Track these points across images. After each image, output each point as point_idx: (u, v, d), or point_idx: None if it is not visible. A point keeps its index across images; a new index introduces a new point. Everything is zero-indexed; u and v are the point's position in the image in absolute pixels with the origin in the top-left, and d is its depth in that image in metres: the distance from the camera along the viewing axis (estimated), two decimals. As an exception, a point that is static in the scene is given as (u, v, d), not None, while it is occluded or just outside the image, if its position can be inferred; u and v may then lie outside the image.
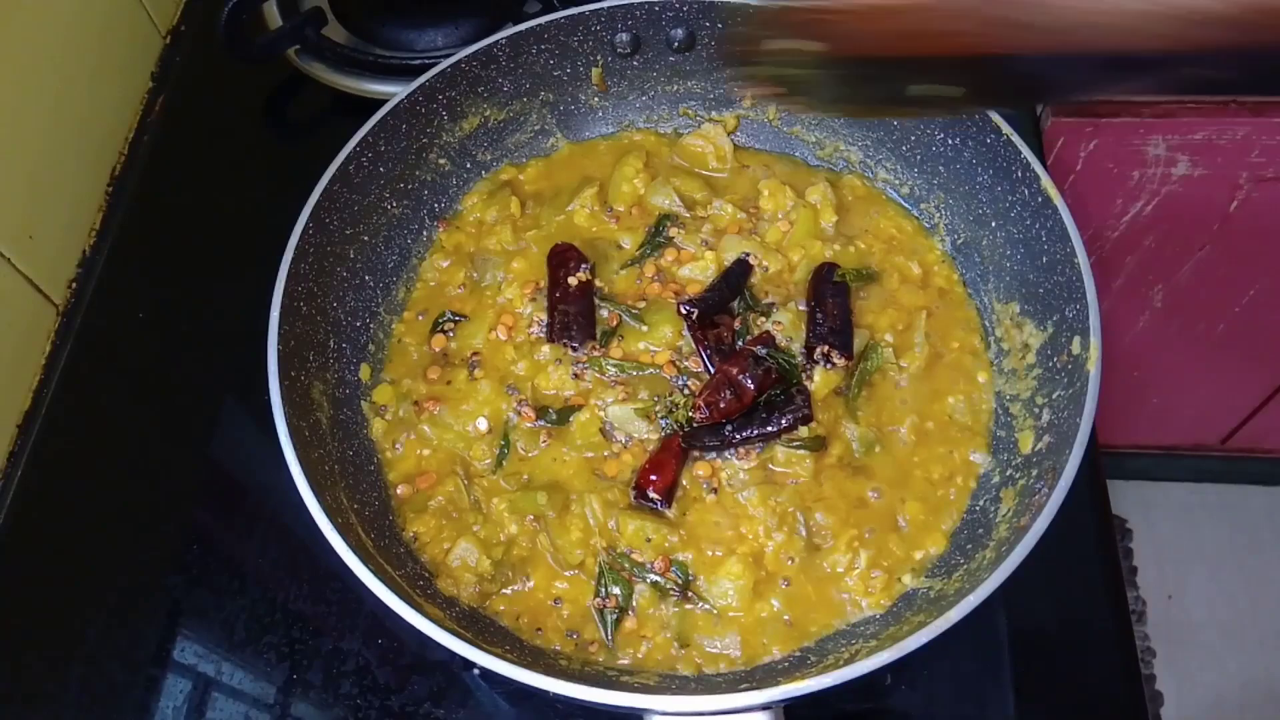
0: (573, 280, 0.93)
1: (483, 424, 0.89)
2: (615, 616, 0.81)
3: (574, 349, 0.91)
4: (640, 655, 0.80)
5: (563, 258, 0.95)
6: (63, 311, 1.05)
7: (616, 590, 0.81)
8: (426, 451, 0.89)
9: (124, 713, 0.84)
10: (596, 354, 0.91)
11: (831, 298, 0.92)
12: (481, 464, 0.88)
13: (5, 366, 0.98)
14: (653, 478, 0.84)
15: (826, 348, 0.89)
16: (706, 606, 0.81)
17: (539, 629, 0.81)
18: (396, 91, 0.95)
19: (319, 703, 0.84)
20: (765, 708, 0.67)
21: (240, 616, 0.88)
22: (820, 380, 0.88)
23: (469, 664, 0.69)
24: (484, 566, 0.82)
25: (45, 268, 1.03)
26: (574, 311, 0.92)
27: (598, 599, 0.81)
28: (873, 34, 0.43)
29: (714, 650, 0.80)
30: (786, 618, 0.81)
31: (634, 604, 0.81)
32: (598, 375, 0.91)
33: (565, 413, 0.89)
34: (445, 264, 1.00)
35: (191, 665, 0.86)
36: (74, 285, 1.07)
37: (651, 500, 0.84)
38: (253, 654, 0.86)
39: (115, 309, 1.06)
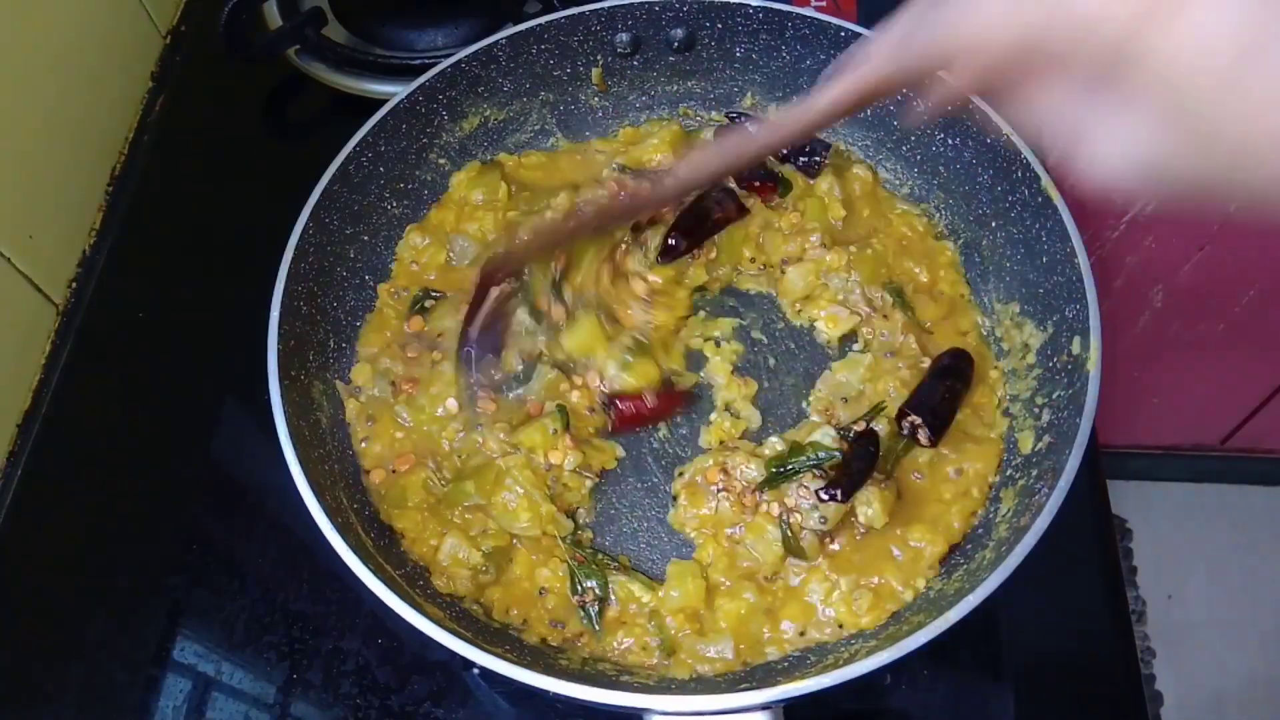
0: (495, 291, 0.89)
1: (452, 404, 0.88)
2: (597, 608, 0.81)
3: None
4: (629, 644, 0.80)
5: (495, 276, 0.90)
6: (63, 311, 1.05)
7: (592, 583, 0.81)
8: (400, 435, 0.88)
9: (124, 713, 0.84)
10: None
11: (951, 380, 0.87)
12: (453, 445, 0.88)
13: (5, 366, 0.98)
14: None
15: (919, 420, 0.84)
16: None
17: (525, 620, 0.81)
18: (396, 91, 0.95)
19: (319, 702, 0.84)
20: (765, 708, 0.67)
21: (240, 616, 0.88)
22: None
23: (469, 664, 0.69)
24: (475, 560, 0.81)
25: (45, 267, 1.03)
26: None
27: (576, 596, 0.81)
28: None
29: (706, 654, 0.79)
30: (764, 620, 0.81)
31: (612, 591, 0.81)
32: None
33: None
34: (424, 242, 0.98)
35: (191, 665, 0.86)
36: (74, 285, 1.07)
37: None
38: (253, 654, 0.86)
39: (115, 309, 1.06)
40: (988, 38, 0.47)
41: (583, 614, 0.81)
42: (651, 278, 0.93)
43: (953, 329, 0.94)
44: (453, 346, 0.90)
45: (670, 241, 0.94)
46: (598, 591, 0.81)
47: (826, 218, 0.98)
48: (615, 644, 0.80)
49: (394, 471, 0.86)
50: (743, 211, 0.98)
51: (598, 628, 0.81)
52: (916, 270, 0.96)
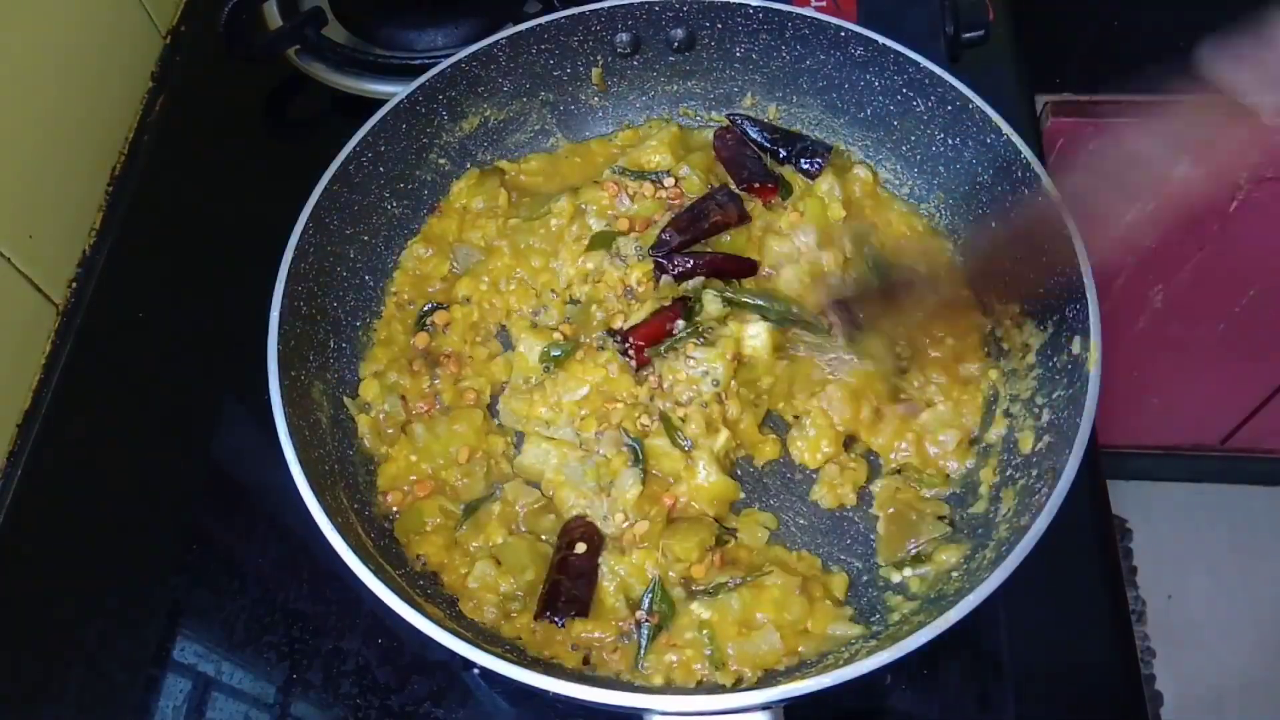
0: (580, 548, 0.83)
1: (464, 452, 0.88)
2: (651, 632, 0.79)
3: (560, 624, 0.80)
4: (675, 660, 0.78)
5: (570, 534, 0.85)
6: (63, 311, 1.05)
7: (660, 607, 0.79)
8: (414, 458, 0.88)
9: (124, 712, 0.84)
10: None
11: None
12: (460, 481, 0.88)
13: (5, 366, 0.98)
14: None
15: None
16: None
17: (547, 643, 0.79)
18: (396, 91, 0.95)
19: (319, 702, 0.84)
20: (765, 708, 0.67)
21: (240, 616, 0.88)
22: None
23: (469, 663, 0.69)
24: (506, 585, 0.80)
25: (45, 267, 1.03)
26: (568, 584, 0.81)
27: (640, 611, 0.79)
28: None
29: (752, 651, 0.78)
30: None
31: (672, 624, 0.79)
32: None
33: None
34: (427, 253, 0.99)
35: (191, 665, 0.86)
36: (74, 285, 1.07)
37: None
38: (253, 654, 0.86)
39: (115, 308, 1.06)
40: None
41: (636, 632, 0.79)
42: (634, 274, 0.93)
43: (951, 327, 0.94)
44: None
45: (663, 236, 0.94)
46: (662, 618, 0.79)
47: (826, 218, 0.98)
48: (659, 663, 0.78)
49: (409, 494, 0.86)
50: (744, 218, 0.97)
51: (643, 650, 0.78)
52: (913, 268, 0.96)
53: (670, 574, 0.81)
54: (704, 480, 0.85)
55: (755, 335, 0.90)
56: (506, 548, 0.82)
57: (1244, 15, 0.64)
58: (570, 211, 0.97)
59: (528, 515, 0.85)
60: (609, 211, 0.98)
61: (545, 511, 0.85)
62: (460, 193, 1.01)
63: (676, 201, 0.98)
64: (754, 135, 1.04)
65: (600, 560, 0.81)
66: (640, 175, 1.00)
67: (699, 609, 0.79)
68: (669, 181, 0.99)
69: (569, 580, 0.79)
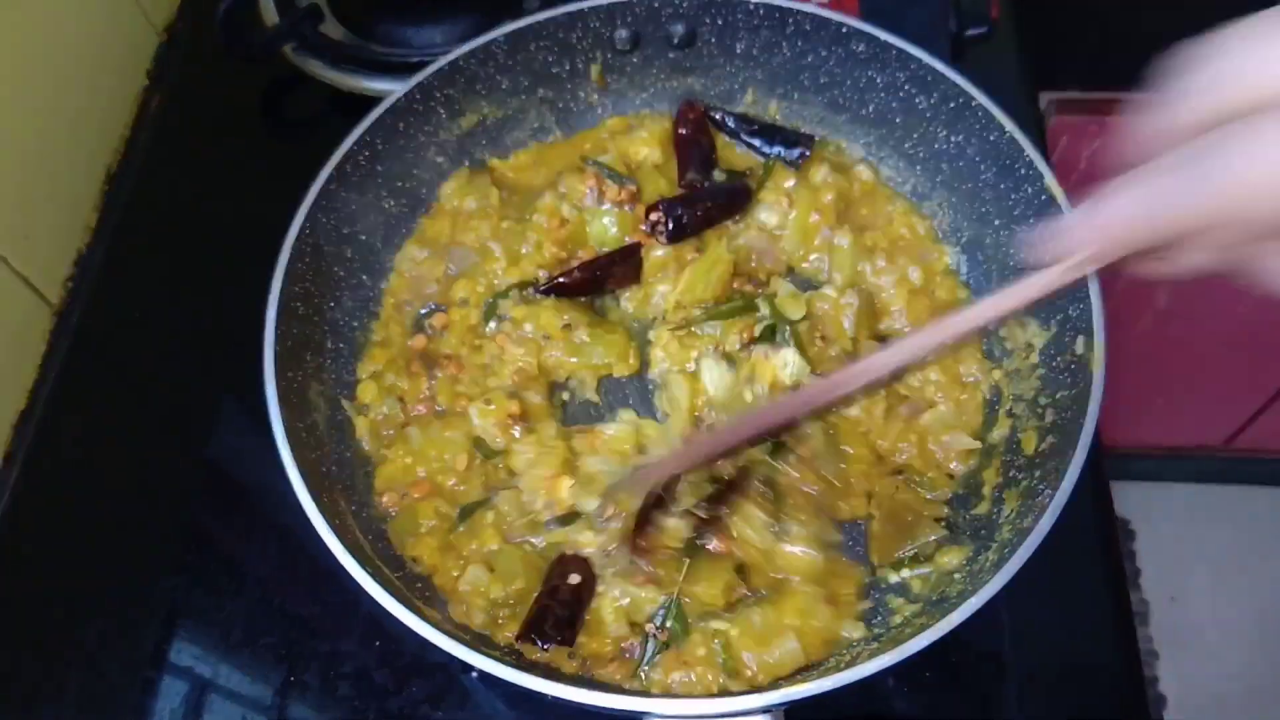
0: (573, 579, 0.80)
1: (461, 460, 0.87)
2: (657, 646, 0.77)
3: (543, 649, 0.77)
4: (679, 678, 0.77)
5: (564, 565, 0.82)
6: (59, 311, 1.05)
7: (670, 624, 0.78)
8: (410, 460, 0.87)
9: (121, 714, 0.84)
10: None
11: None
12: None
13: (1, 366, 0.97)
14: None
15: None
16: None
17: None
18: (394, 89, 0.94)
19: (316, 705, 0.84)
20: (766, 711, 0.67)
21: (238, 618, 0.87)
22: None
23: (467, 666, 0.68)
24: (496, 592, 0.79)
25: (41, 267, 1.02)
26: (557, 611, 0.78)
27: (651, 624, 0.78)
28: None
29: (770, 660, 0.76)
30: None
31: (684, 643, 0.78)
32: None
33: None
34: (422, 255, 0.97)
35: (188, 667, 0.85)
36: (70, 284, 1.06)
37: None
38: (250, 656, 0.86)
39: (112, 308, 1.05)
40: (1265, 199, 0.36)
41: (642, 642, 0.78)
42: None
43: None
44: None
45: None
46: (671, 634, 0.77)
47: (821, 201, 0.97)
48: (666, 680, 0.76)
49: (405, 495, 0.85)
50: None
51: (647, 664, 0.77)
52: (910, 270, 0.95)
53: (686, 600, 0.79)
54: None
55: (787, 365, 0.88)
56: (500, 555, 0.81)
57: (1245, 11, 0.63)
58: (552, 209, 0.96)
59: (522, 525, 0.84)
60: (584, 202, 0.97)
61: (540, 522, 0.84)
62: (450, 193, 1.00)
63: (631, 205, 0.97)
64: (734, 128, 1.03)
65: (601, 587, 0.79)
66: (615, 175, 0.98)
67: (716, 624, 0.77)
68: (632, 187, 0.98)
69: (558, 606, 0.76)
